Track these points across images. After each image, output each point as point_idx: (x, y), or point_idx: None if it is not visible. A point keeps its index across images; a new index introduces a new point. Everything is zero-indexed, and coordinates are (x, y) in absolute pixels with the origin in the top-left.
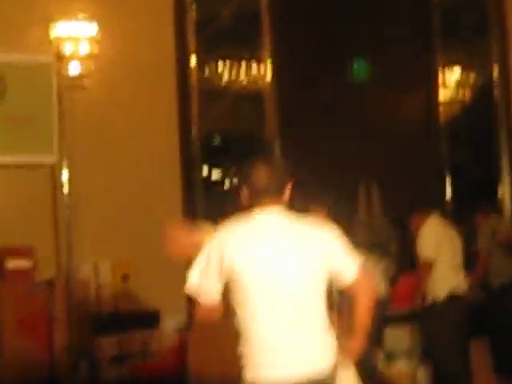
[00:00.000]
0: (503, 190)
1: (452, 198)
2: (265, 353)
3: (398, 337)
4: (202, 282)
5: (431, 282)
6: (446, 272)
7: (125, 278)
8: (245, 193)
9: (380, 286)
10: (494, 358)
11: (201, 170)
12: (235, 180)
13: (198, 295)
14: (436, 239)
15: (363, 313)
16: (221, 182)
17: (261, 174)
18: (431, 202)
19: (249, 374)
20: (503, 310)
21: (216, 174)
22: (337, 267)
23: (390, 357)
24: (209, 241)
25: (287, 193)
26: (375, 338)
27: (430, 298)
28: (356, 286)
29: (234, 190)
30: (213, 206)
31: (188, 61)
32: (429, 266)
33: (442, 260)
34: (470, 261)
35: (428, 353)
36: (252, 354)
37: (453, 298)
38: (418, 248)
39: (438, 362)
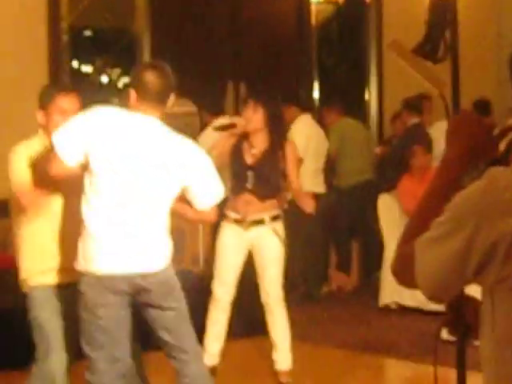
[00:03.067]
0: (370, 94)
1: (320, 99)
2: (99, 243)
3: None
4: (66, 141)
5: None
6: (305, 173)
7: None
8: (132, 95)
9: None
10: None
11: (70, 63)
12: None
13: (59, 149)
14: (305, 140)
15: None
16: (91, 75)
17: (150, 79)
18: (299, 104)
19: (81, 262)
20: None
21: (86, 67)
22: (193, 192)
23: None
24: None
25: (170, 102)
26: None
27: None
28: (202, 215)
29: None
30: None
31: None
32: None
33: (305, 161)
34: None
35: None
36: (87, 242)
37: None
38: None
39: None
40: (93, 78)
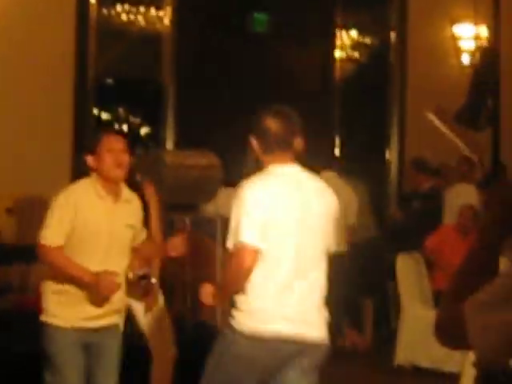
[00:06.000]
0: (391, 153)
1: (341, 157)
2: (283, 306)
3: None
4: (252, 230)
5: None
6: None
7: (9, 211)
8: (256, 144)
9: None
10: None
11: (92, 109)
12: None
13: (252, 242)
14: None
15: None
16: (112, 123)
17: (272, 124)
18: (320, 160)
19: (248, 325)
20: None
21: (106, 115)
22: None
23: None
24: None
25: (298, 144)
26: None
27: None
28: None
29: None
30: None
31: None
32: None
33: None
34: None
35: None
36: (264, 306)
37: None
38: None
39: None
40: (113, 127)
